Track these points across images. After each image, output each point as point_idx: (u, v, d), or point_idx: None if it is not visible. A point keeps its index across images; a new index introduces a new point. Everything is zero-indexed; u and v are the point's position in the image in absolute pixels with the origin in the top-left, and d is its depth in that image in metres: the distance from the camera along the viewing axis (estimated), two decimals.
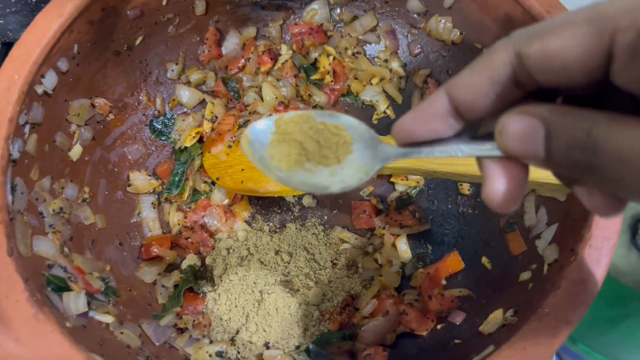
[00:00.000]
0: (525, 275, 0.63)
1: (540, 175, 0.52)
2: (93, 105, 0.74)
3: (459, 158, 0.34)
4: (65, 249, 0.65)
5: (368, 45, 0.87)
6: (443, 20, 0.77)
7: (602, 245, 0.53)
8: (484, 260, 0.73)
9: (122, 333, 0.63)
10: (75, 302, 0.59)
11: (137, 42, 0.76)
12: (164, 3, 0.75)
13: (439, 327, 0.70)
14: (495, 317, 0.61)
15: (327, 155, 0.37)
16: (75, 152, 0.71)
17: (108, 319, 0.62)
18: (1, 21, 0.84)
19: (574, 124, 0.27)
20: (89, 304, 0.61)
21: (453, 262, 0.74)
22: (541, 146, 0.28)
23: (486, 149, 0.32)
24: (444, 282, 0.74)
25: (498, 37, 0.69)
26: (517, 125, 0.29)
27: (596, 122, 0.26)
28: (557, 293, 0.51)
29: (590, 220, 0.54)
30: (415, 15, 0.81)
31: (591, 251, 0.52)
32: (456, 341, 0.65)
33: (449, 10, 0.77)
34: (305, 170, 0.38)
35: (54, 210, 0.65)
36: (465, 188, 0.80)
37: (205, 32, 0.83)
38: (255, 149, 0.39)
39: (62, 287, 0.59)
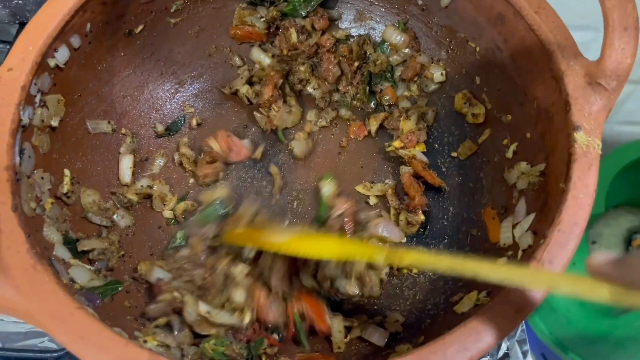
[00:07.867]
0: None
1: None
2: None
3: None
4: None
5: None
6: None
7: (571, 230, 0.54)
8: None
9: None
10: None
11: (140, 29, 0.80)
12: None
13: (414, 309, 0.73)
14: (469, 299, 0.64)
15: None
16: None
17: None
18: (20, 1, 0.89)
19: None
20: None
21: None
22: None
23: None
24: None
25: (492, 37, 0.73)
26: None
27: None
28: None
29: (562, 207, 0.56)
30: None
31: (559, 235, 0.54)
32: (429, 321, 0.68)
33: (445, 9, 0.80)
34: None
35: None
36: None
37: None
38: None
39: None
